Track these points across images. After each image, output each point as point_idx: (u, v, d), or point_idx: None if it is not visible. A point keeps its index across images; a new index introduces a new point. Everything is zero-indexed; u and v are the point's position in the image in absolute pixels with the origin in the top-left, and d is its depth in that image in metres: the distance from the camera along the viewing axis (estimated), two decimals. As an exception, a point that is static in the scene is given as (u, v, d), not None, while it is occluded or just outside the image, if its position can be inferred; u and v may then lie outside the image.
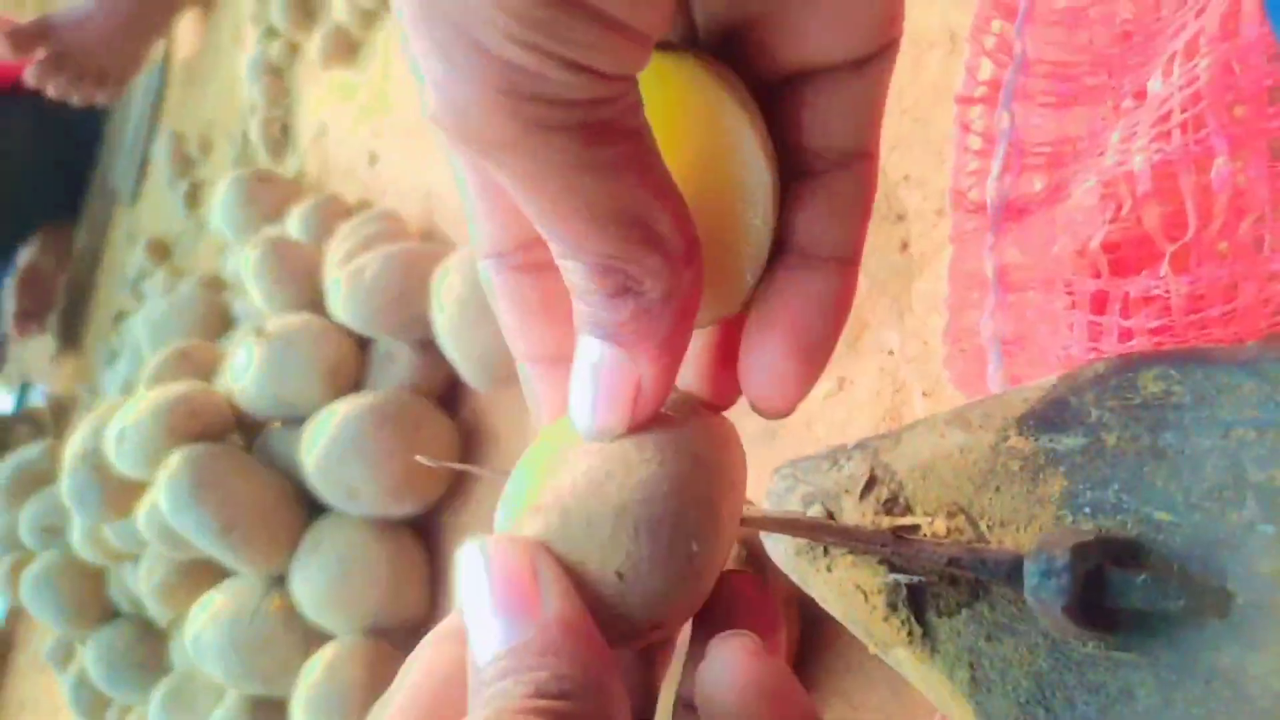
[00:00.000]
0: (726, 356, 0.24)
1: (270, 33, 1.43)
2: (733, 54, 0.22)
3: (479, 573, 0.20)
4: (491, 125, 0.17)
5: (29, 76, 1.42)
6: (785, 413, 0.23)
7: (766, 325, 0.22)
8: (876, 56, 0.21)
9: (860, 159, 0.22)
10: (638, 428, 0.21)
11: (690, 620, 0.23)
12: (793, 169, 0.22)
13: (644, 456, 0.21)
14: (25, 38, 1.39)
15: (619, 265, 0.19)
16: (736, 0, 0.21)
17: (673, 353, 0.21)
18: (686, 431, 0.21)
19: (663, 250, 0.19)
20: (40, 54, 1.40)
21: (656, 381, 0.21)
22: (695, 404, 0.23)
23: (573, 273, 0.19)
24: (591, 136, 0.18)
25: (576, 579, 0.20)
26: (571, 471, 0.21)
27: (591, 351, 0.21)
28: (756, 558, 0.40)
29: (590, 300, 0.20)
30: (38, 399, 2.10)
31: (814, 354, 0.23)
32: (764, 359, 0.22)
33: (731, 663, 0.21)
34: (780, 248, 0.23)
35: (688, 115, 0.21)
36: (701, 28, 0.22)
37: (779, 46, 0.21)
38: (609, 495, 0.20)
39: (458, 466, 0.34)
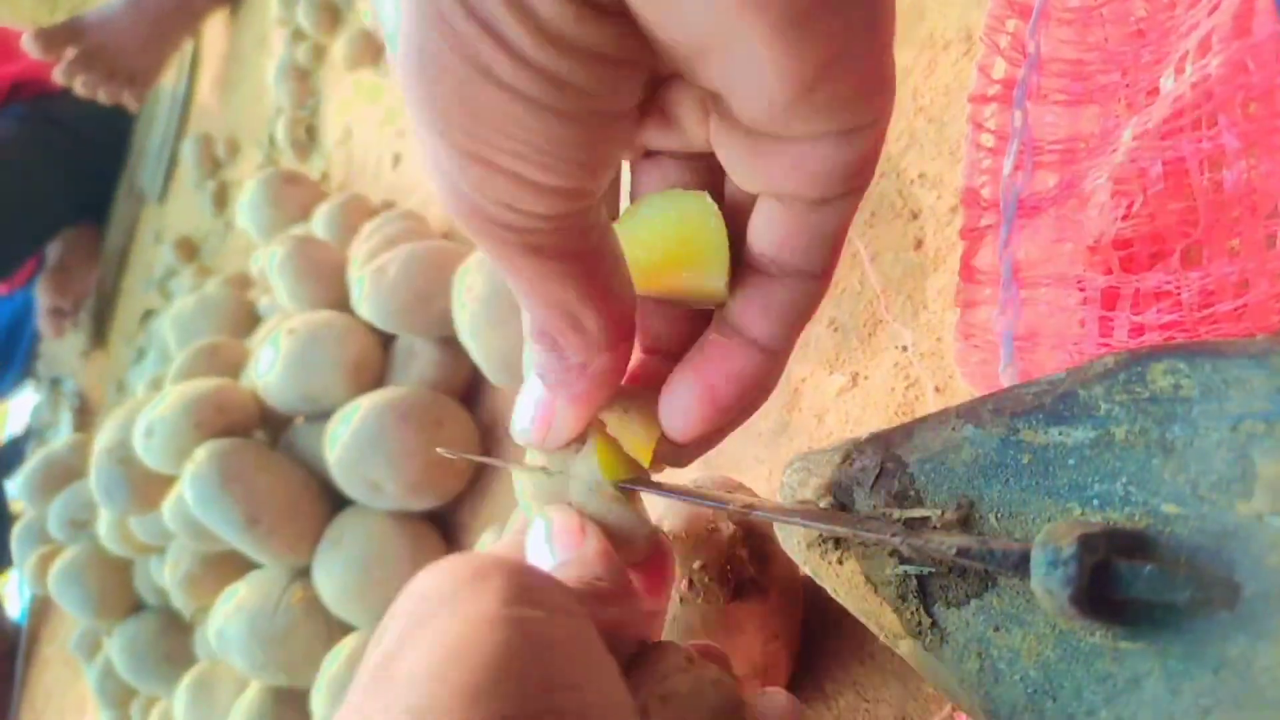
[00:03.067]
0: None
1: (296, 35, 1.45)
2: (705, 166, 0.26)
3: (542, 532, 0.28)
4: (464, 226, 0.22)
5: (57, 74, 1.44)
6: (687, 443, 0.28)
7: (686, 375, 0.27)
8: (839, 197, 0.23)
9: (807, 278, 0.25)
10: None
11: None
12: (746, 260, 0.26)
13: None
14: (55, 37, 1.41)
15: (549, 334, 0.25)
16: (719, 127, 0.23)
17: (584, 405, 0.27)
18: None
19: (584, 338, 0.24)
20: (70, 53, 1.42)
21: (565, 421, 0.27)
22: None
23: (524, 317, 0.25)
24: (530, 252, 0.22)
25: None
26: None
27: (535, 386, 0.27)
28: (758, 544, 0.41)
29: (532, 344, 0.25)
30: (68, 395, 2.13)
31: (714, 411, 0.27)
32: (676, 400, 0.27)
33: None
34: (719, 317, 0.27)
35: (678, 230, 0.27)
36: (682, 151, 0.26)
37: (743, 179, 0.24)
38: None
39: (477, 459, 0.35)
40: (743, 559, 0.40)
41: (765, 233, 0.25)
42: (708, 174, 0.27)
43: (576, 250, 0.23)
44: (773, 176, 0.23)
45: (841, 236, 0.25)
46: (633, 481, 0.29)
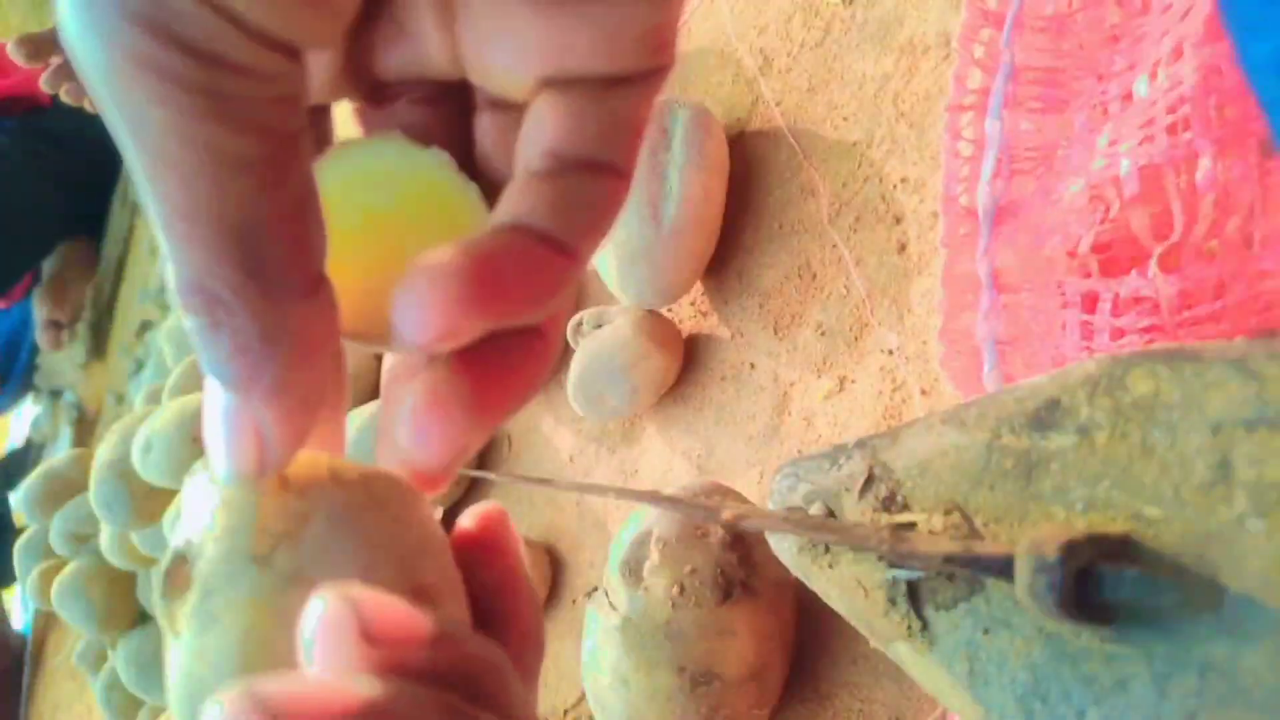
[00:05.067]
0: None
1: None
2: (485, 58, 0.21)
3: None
4: (117, 54, 0.15)
5: (43, 81, 1.44)
6: (419, 341, 0.18)
7: (448, 253, 0.18)
8: (642, 76, 0.20)
9: (603, 169, 0.20)
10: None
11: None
12: (522, 168, 0.21)
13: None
14: (41, 45, 1.41)
15: (209, 287, 0.16)
16: (475, 25, 0.20)
17: (291, 397, 0.18)
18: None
19: (261, 281, 0.16)
20: (55, 60, 1.42)
21: (279, 429, 0.18)
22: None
23: (170, 270, 0.17)
24: (214, 115, 0.15)
25: None
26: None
27: (216, 394, 0.18)
28: (747, 548, 0.41)
29: (184, 312, 0.17)
30: (67, 408, 2.13)
31: (481, 302, 0.18)
32: (425, 280, 0.18)
33: None
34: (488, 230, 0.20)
35: (419, 197, 0.21)
36: (418, 78, 0.22)
37: (521, 63, 0.20)
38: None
39: (472, 473, 0.35)
40: (732, 562, 0.40)
41: (547, 131, 0.20)
42: (452, 120, 0.22)
43: (289, 130, 0.17)
44: (566, 52, 0.19)
45: (641, 129, 0.21)
46: None
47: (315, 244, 0.18)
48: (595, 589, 0.42)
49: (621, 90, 0.20)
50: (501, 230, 0.19)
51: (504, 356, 0.20)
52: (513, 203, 0.20)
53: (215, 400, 0.18)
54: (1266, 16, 0.20)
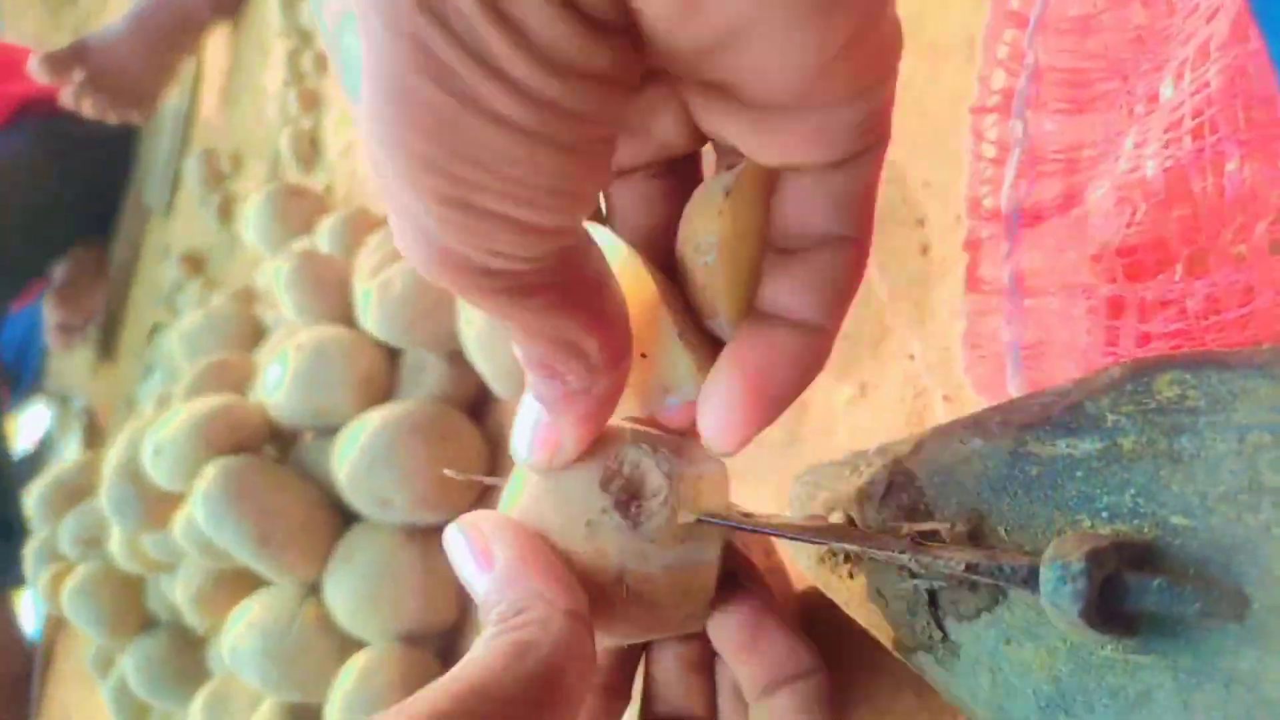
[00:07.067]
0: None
1: (299, 50, 1.45)
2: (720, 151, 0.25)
3: (458, 543, 0.28)
4: (441, 280, 0.20)
5: (65, 98, 1.45)
6: (728, 450, 0.26)
7: (727, 367, 0.25)
8: (858, 155, 0.22)
9: (840, 242, 0.24)
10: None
11: None
12: (774, 244, 0.25)
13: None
14: (61, 62, 1.42)
15: (549, 364, 0.23)
16: (726, 114, 0.22)
17: (588, 426, 0.26)
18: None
19: (585, 363, 0.23)
20: (76, 77, 1.43)
21: (571, 442, 0.26)
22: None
23: (519, 354, 0.24)
24: (518, 294, 0.21)
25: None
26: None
27: (532, 408, 0.26)
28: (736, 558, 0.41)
29: (531, 377, 0.24)
30: (77, 412, 2.14)
31: (762, 401, 0.25)
32: (717, 397, 0.25)
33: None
34: (752, 312, 0.26)
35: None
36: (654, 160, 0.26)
37: (758, 153, 0.23)
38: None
39: (484, 479, 0.35)
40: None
41: (788, 209, 0.24)
42: (682, 184, 0.27)
43: (566, 283, 0.22)
44: (789, 148, 0.22)
45: (870, 195, 0.24)
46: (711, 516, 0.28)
47: (618, 332, 0.24)
48: None
49: (848, 166, 0.23)
50: (764, 325, 0.25)
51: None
52: (773, 293, 0.25)
53: (530, 413, 0.26)
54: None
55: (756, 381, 0.24)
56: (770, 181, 0.25)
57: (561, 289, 0.21)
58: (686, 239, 0.26)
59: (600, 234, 0.26)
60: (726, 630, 0.29)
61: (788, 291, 0.24)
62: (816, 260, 0.24)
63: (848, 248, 0.24)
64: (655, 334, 0.27)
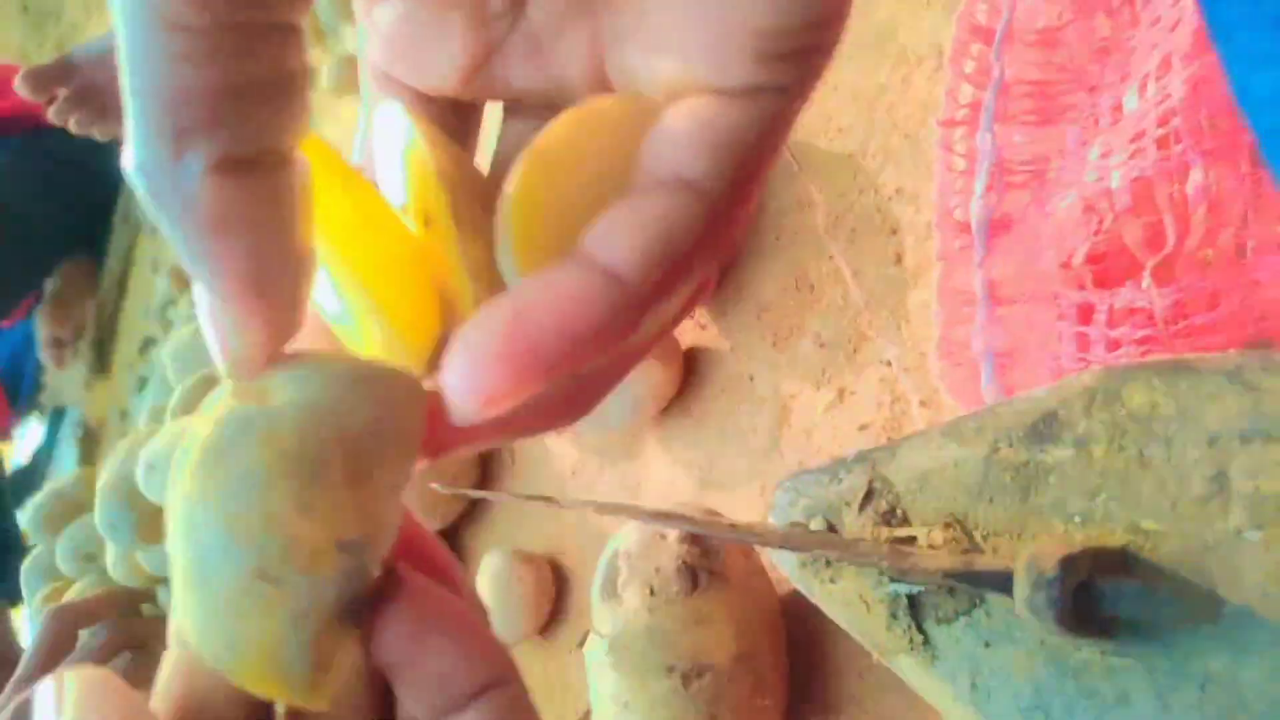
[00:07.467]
0: None
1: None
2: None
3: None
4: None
5: (51, 114, 1.45)
6: (471, 408, 0.19)
7: (487, 306, 0.18)
8: (755, 93, 0.19)
9: (681, 186, 0.19)
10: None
11: None
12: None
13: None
14: (46, 78, 1.41)
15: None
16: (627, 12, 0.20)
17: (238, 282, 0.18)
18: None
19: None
20: (62, 93, 1.42)
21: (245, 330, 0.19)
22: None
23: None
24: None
25: None
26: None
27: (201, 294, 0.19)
28: (703, 538, 0.41)
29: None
30: (72, 425, 2.13)
31: (520, 347, 0.18)
32: (465, 338, 0.18)
33: None
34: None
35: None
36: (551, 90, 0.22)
37: (651, 68, 0.20)
38: None
39: (472, 493, 0.35)
40: (694, 553, 0.41)
41: (654, 146, 0.19)
42: None
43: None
44: (684, 57, 0.19)
45: (747, 154, 0.19)
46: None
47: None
48: (586, 634, 0.43)
49: (738, 105, 0.19)
50: (555, 266, 0.18)
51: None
52: (590, 231, 0.19)
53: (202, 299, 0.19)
54: (1268, 50, 0.20)
55: (516, 326, 0.18)
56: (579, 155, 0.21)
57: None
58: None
59: (395, 118, 0.22)
60: (381, 649, 0.21)
61: (597, 231, 0.18)
62: (641, 200, 0.19)
63: (687, 194, 0.18)
64: (441, 234, 0.21)
